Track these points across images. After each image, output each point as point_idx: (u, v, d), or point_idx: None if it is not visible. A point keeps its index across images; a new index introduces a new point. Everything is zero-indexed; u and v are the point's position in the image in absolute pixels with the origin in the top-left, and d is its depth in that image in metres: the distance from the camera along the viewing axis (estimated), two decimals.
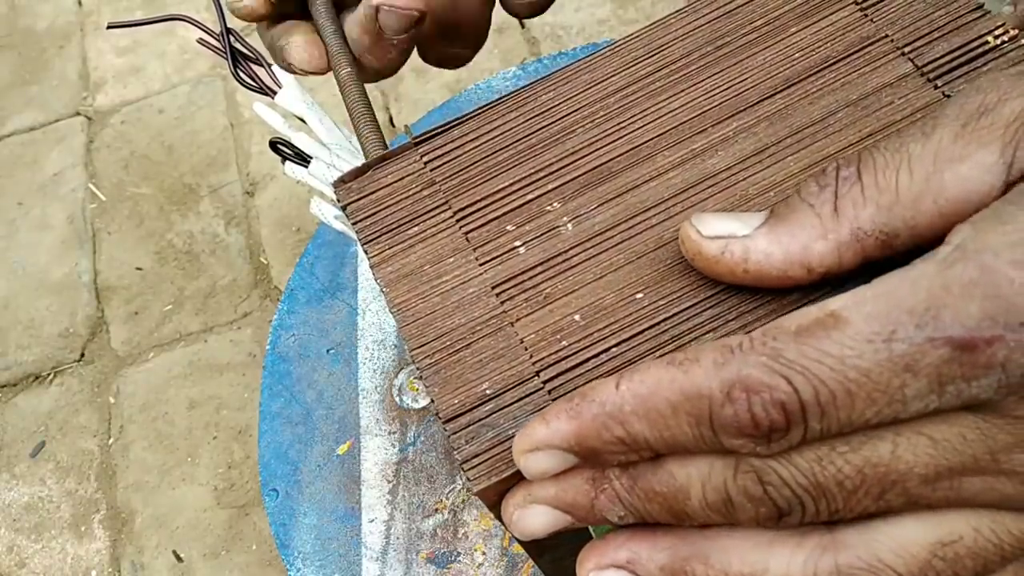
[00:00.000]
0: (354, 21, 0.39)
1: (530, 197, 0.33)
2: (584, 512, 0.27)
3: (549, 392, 0.29)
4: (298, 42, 0.39)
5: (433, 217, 0.33)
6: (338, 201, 0.34)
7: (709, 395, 0.23)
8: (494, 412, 0.29)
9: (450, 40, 0.41)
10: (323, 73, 0.40)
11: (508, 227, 0.32)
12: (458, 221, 0.33)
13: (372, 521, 0.58)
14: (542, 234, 0.32)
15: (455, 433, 0.28)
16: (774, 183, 0.31)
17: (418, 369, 0.30)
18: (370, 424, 0.62)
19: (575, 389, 0.27)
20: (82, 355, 1.04)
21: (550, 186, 0.33)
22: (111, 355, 1.04)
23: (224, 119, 1.19)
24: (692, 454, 0.25)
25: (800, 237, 0.26)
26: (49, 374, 1.04)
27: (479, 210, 0.33)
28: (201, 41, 0.45)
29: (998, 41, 0.32)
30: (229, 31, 0.44)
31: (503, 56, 1.09)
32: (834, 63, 0.33)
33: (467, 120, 0.35)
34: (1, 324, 1.08)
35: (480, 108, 0.35)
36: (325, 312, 0.69)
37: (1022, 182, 0.24)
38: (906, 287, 0.23)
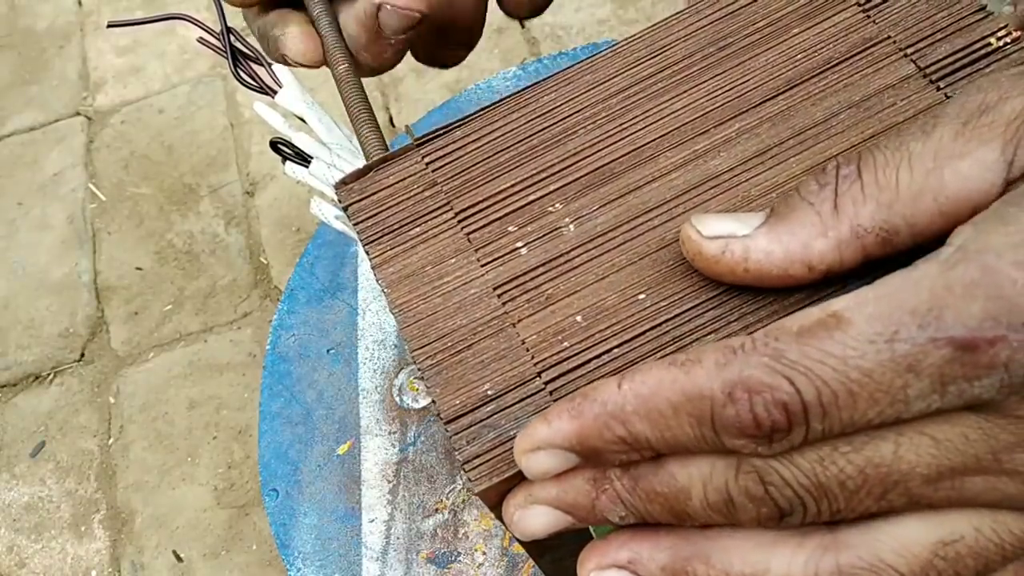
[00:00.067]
0: (352, 17, 0.39)
1: (532, 198, 0.33)
2: (585, 512, 0.27)
3: (551, 393, 0.29)
4: (294, 33, 0.38)
5: (435, 218, 0.33)
6: (340, 202, 0.34)
7: (711, 395, 0.23)
8: (495, 413, 0.29)
9: (444, 40, 0.40)
10: (318, 67, 0.39)
11: (510, 228, 0.32)
12: (460, 222, 0.33)
13: (372, 521, 0.58)
14: (544, 235, 0.32)
15: (456, 434, 0.28)
16: (776, 184, 0.31)
17: (419, 370, 0.30)
18: (370, 424, 0.62)
19: (577, 390, 0.27)
20: (82, 355, 1.04)
21: (552, 187, 0.33)
22: (111, 355, 1.04)
23: (224, 119, 1.19)
24: (693, 454, 0.25)
25: (800, 235, 0.26)
26: (49, 374, 1.04)
27: (481, 211, 0.33)
28: (201, 40, 0.45)
29: (1000, 43, 0.32)
30: (229, 30, 0.44)
31: (503, 56, 1.09)
32: (836, 64, 0.33)
33: (469, 121, 0.35)
34: (1, 324, 1.08)
35: (482, 109, 0.35)
36: (325, 312, 0.69)
37: (1022, 181, 0.24)
38: (908, 288, 0.23)
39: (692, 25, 0.35)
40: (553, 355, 0.29)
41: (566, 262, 0.31)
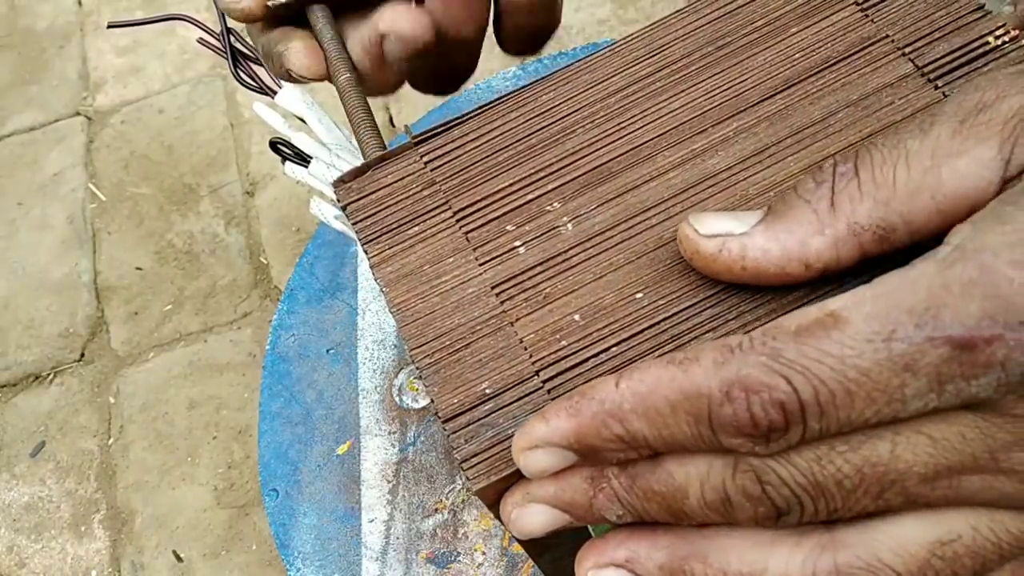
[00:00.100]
0: (357, 43, 0.39)
1: (530, 197, 0.33)
2: (583, 511, 0.27)
3: (548, 392, 0.29)
4: (298, 48, 0.38)
5: (433, 217, 0.33)
6: (338, 201, 0.34)
7: (708, 394, 0.23)
8: (493, 412, 0.29)
9: (440, 69, 0.41)
10: (322, 80, 0.40)
11: (508, 227, 0.32)
12: (458, 221, 0.33)
13: (372, 521, 0.58)
14: (542, 234, 0.32)
15: (455, 433, 0.28)
16: (775, 183, 0.31)
17: (418, 369, 0.30)
18: (370, 424, 0.62)
19: (575, 389, 0.27)
20: (82, 355, 1.04)
21: (550, 186, 0.33)
22: (111, 355, 1.04)
23: (224, 119, 1.19)
24: (691, 453, 0.25)
25: (797, 233, 0.26)
26: (49, 374, 1.04)
27: (479, 210, 0.33)
28: (201, 41, 0.45)
29: (999, 41, 0.32)
30: (229, 31, 0.44)
31: (502, 56, 1.09)
32: (835, 63, 0.33)
33: (467, 120, 0.35)
34: (1, 324, 1.08)
35: (480, 108, 0.35)
36: (325, 312, 0.69)
37: (1019, 180, 0.24)
38: (906, 287, 0.23)
39: (690, 24, 0.35)
40: (551, 354, 0.29)
41: (564, 261, 0.31)
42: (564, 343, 0.29)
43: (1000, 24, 0.32)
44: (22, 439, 1.00)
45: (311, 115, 0.48)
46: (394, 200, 0.33)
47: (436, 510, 0.58)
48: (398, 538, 0.57)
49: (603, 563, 0.27)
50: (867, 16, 0.34)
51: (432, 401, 0.29)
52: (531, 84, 0.35)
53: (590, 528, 0.29)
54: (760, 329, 0.24)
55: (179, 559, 0.90)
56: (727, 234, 0.27)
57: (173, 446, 0.96)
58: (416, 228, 0.33)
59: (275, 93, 0.45)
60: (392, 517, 0.58)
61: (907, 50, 0.33)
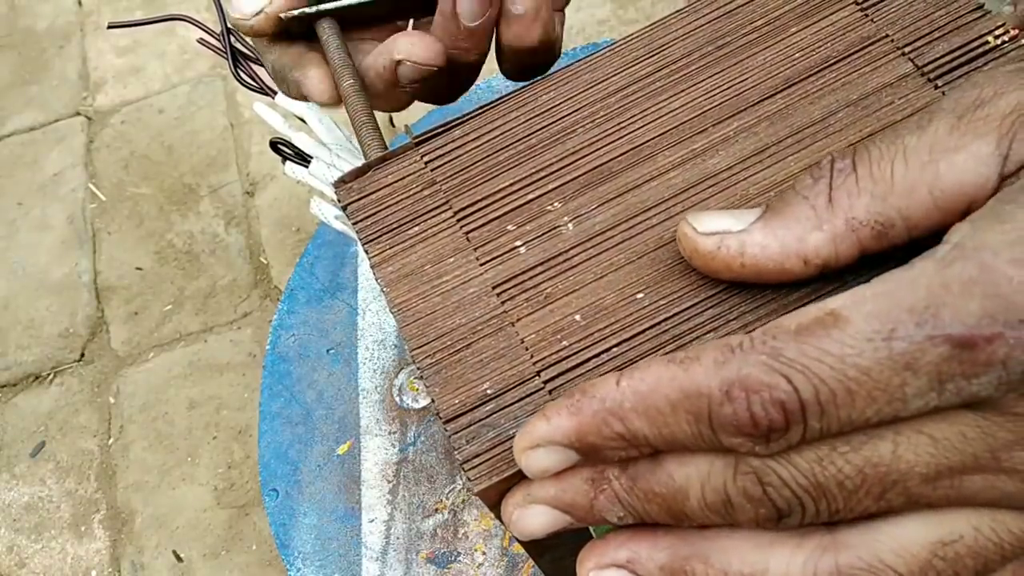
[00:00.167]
0: (371, 67, 0.40)
1: (531, 197, 0.33)
2: (583, 512, 0.27)
3: (550, 392, 0.29)
4: (315, 76, 0.40)
5: (434, 217, 0.33)
6: (339, 201, 0.34)
7: (708, 394, 0.23)
8: (495, 412, 0.29)
9: (444, 83, 0.41)
10: (338, 105, 0.41)
11: (509, 227, 0.32)
12: (459, 221, 0.33)
13: (372, 521, 0.58)
14: (543, 234, 0.32)
15: (456, 433, 0.28)
16: (775, 183, 0.31)
17: (419, 369, 0.30)
18: (370, 424, 0.62)
19: (576, 387, 0.27)
20: (82, 355, 1.04)
21: (551, 186, 0.33)
22: (111, 355, 1.04)
23: (224, 119, 1.19)
24: (692, 453, 0.25)
25: (795, 229, 0.26)
26: (49, 374, 1.04)
27: (480, 210, 0.33)
28: (201, 41, 0.45)
29: (998, 41, 0.32)
30: (229, 31, 0.44)
31: None
32: (834, 63, 0.33)
33: (468, 120, 0.35)
34: (1, 324, 1.08)
35: (481, 108, 0.35)
36: (325, 312, 0.69)
37: (1017, 177, 0.24)
38: (905, 286, 0.23)
39: (690, 24, 0.35)
40: (552, 354, 0.29)
41: (565, 261, 0.31)
42: (565, 343, 0.29)
43: (1000, 24, 0.32)
44: (22, 439, 1.00)
45: (311, 115, 0.48)
46: (395, 200, 0.33)
47: (436, 510, 0.58)
48: (398, 538, 0.57)
49: (604, 563, 0.27)
50: (867, 16, 0.34)
51: (433, 401, 0.29)
52: (531, 84, 0.35)
53: (591, 529, 0.29)
54: (761, 329, 0.24)
55: (179, 559, 0.90)
56: (725, 232, 0.27)
57: (173, 446, 0.96)
58: (417, 228, 0.33)
59: (275, 93, 0.45)
60: (392, 517, 0.58)
61: (907, 50, 0.33)
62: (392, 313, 0.31)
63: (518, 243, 0.32)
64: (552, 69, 0.37)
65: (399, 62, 0.39)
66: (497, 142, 0.34)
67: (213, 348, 1.01)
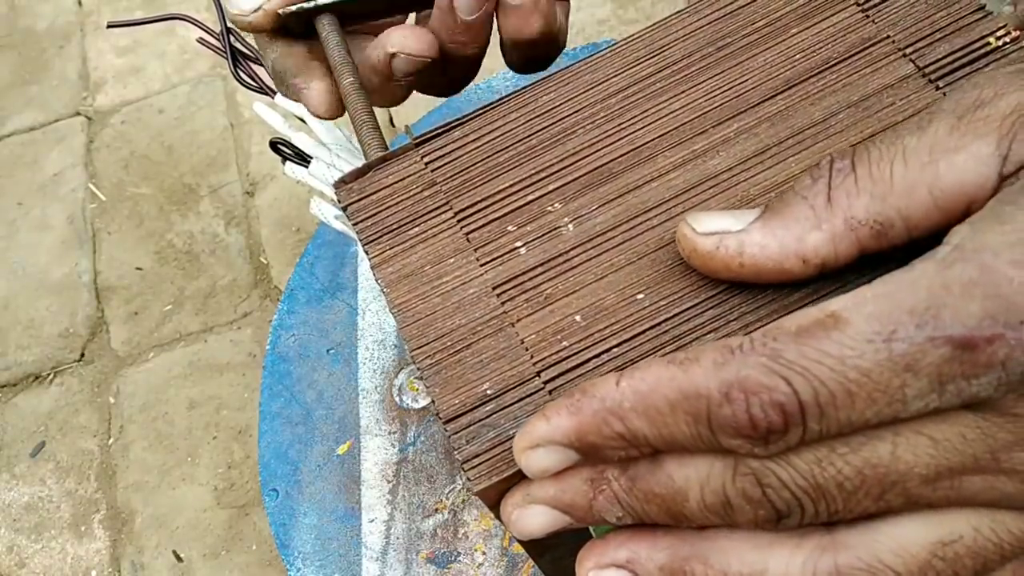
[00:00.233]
0: (366, 62, 0.40)
1: (531, 198, 0.33)
2: (583, 512, 0.27)
3: (550, 393, 0.29)
4: (318, 89, 0.40)
5: (434, 218, 0.33)
6: (339, 202, 0.34)
7: (707, 395, 0.23)
8: (495, 412, 0.29)
9: (444, 74, 0.41)
10: (337, 117, 0.41)
11: (509, 228, 0.32)
12: (459, 222, 0.33)
13: (372, 521, 0.58)
14: (543, 235, 0.32)
15: (456, 433, 0.28)
16: (775, 184, 0.31)
17: (419, 369, 0.30)
18: (370, 424, 0.62)
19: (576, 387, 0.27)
20: (82, 355, 1.04)
21: (551, 187, 0.33)
22: (111, 355, 1.04)
23: (224, 119, 1.19)
24: (691, 454, 0.25)
25: (794, 229, 0.26)
26: (49, 374, 1.04)
27: (480, 211, 0.33)
28: (201, 41, 0.45)
29: (1000, 42, 0.32)
30: (229, 31, 0.44)
31: (502, 56, 1.09)
32: (835, 64, 0.33)
33: (468, 121, 0.35)
34: (1, 324, 1.08)
35: (481, 109, 0.35)
36: (325, 312, 0.69)
37: (1016, 178, 0.24)
38: (906, 287, 0.23)
39: (691, 25, 0.35)
40: (552, 354, 0.29)
41: (565, 262, 0.31)
42: (565, 344, 0.29)
43: (1001, 25, 0.32)
44: (22, 439, 1.00)
45: (311, 115, 0.48)
46: (395, 201, 0.33)
47: (436, 510, 0.58)
48: (398, 538, 0.57)
49: (604, 563, 0.27)
50: (868, 17, 0.34)
51: (433, 402, 0.29)
52: (532, 85, 0.35)
53: (591, 529, 0.29)
54: (760, 330, 0.24)
55: (179, 559, 0.90)
56: (724, 232, 0.27)
57: (173, 446, 0.96)
58: (417, 229, 0.33)
59: (275, 93, 0.45)
60: (392, 517, 0.58)
61: (908, 51, 0.33)
62: (392, 313, 0.31)
63: (518, 244, 0.32)
64: (552, 69, 0.37)
65: (393, 55, 0.39)
66: (497, 143, 0.34)
67: (213, 348, 1.01)
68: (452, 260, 0.32)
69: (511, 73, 0.78)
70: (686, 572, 0.26)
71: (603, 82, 0.35)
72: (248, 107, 1.19)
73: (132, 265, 1.09)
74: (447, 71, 0.41)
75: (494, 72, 0.74)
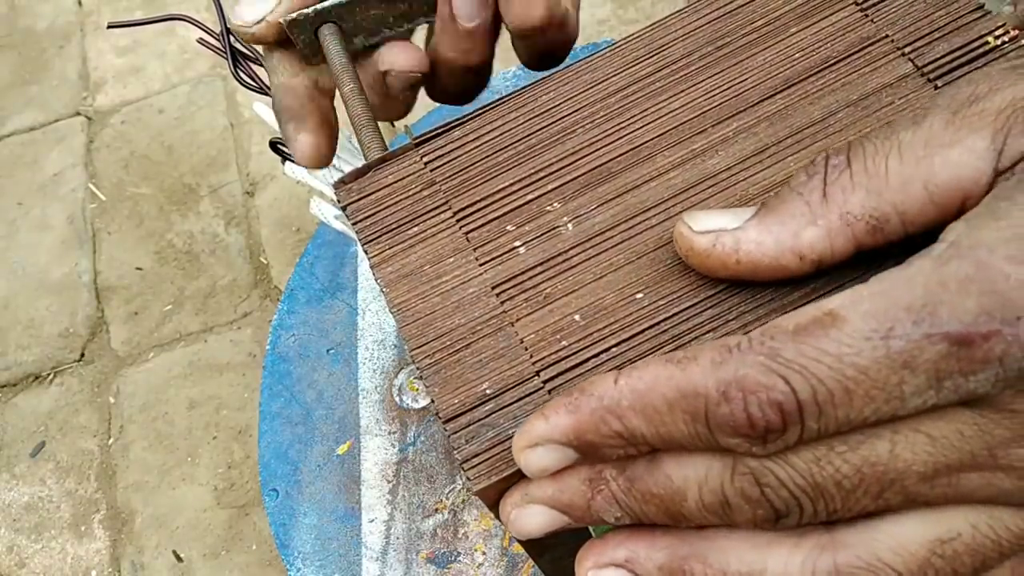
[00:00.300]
0: (364, 81, 0.41)
1: (530, 197, 0.33)
2: (581, 512, 0.27)
3: (549, 392, 0.29)
4: (305, 143, 0.40)
5: (433, 217, 0.33)
6: (338, 202, 0.34)
7: (705, 394, 0.23)
8: (494, 412, 0.29)
9: (455, 82, 0.42)
10: (322, 167, 0.42)
11: (508, 227, 0.32)
12: (458, 221, 0.33)
13: (372, 521, 0.58)
14: (542, 234, 0.32)
15: (455, 433, 0.28)
16: (774, 183, 0.31)
17: (418, 369, 0.30)
18: (370, 424, 0.62)
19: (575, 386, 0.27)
20: (82, 355, 1.05)
21: (550, 186, 0.33)
22: (111, 355, 1.04)
23: (224, 119, 1.19)
24: (689, 453, 0.25)
25: (790, 225, 0.26)
26: (49, 374, 1.04)
27: (479, 210, 0.33)
28: (201, 41, 0.45)
29: (998, 41, 0.32)
30: (229, 31, 0.44)
31: (503, 56, 1.09)
32: (834, 63, 0.33)
33: (467, 120, 0.35)
34: (1, 324, 1.08)
35: (480, 109, 0.35)
36: (325, 312, 0.70)
37: (1011, 173, 0.24)
38: (902, 284, 0.23)
39: (690, 24, 0.35)
40: (551, 354, 0.29)
41: (564, 261, 0.31)
42: (565, 343, 0.29)
43: (1000, 24, 0.32)
44: (22, 439, 1.00)
45: None
46: (394, 200, 0.33)
47: (436, 510, 0.58)
48: (398, 538, 0.57)
49: (603, 563, 0.27)
50: (867, 16, 0.34)
51: (433, 401, 0.29)
52: (531, 84, 0.35)
53: (590, 528, 0.29)
54: (758, 329, 0.24)
55: (179, 559, 0.90)
56: (720, 230, 0.27)
57: (173, 446, 0.96)
58: (416, 228, 0.33)
59: (270, 87, 0.45)
60: (392, 517, 0.58)
61: (907, 50, 0.33)
62: (392, 313, 0.31)
63: (518, 243, 0.32)
64: (552, 69, 0.37)
65: (385, 73, 0.39)
66: (497, 142, 0.34)
67: (213, 348, 1.01)
68: (451, 260, 0.32)
69: (511, 73, 0.78)
70: (685, 571, 0.26)
71: (602, 82, 0.35)
72: (248, 107, 1.19)
73: (132, 265, 1.09)
74: (456, 83, 0.41)
75: (494, 72, 0.74)
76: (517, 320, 0.30)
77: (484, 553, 0.56)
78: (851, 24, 0.34)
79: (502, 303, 0.31)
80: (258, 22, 0.39)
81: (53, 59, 1.30)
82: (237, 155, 1.15)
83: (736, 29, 0.35)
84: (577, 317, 0.30)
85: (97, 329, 1.06)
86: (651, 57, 0.35)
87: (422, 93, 0.42)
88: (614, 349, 0.29)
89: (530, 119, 0.34)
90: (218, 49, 0.45)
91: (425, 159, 0.34)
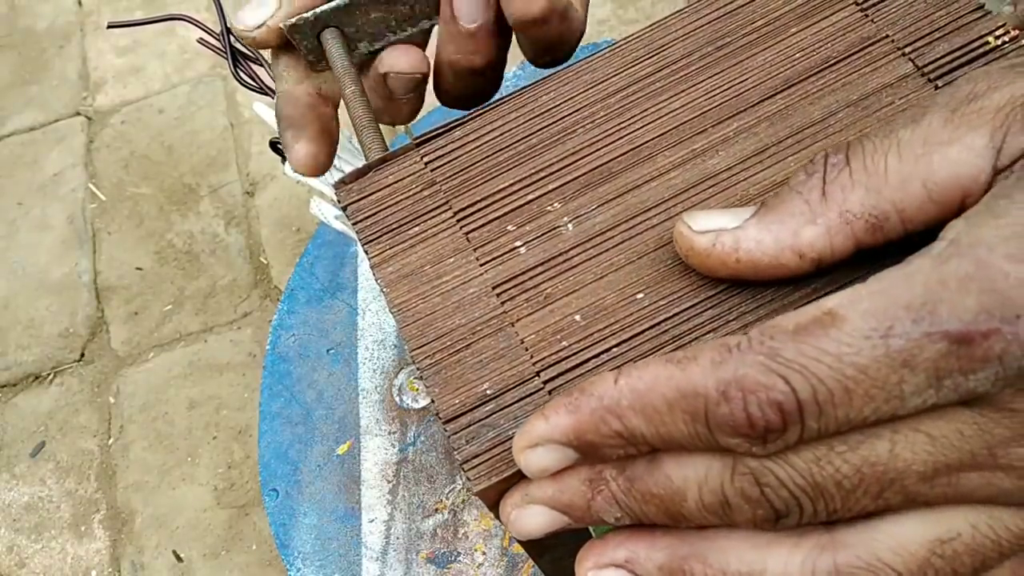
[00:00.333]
0: (367, 85, 0.41)
1: (531, 197, 0.33)
2: (581, 513, 0.27)
3: (549, 392, 0.29)
4: (303, 152, 0.40)
5: (434, 217, 0.33)
6: (339, 202, 0.34)
7: (705, 393, 0.23)
8: (494, 412, 0.29)
9: (463, 86, 0.42)
10: (317, 176, 0.42)
11: (509, 227, 0.32)
12: (459, 221, 0.33)
13: (372, 521, 0.58)
14: (543, 234, 0.32)
15: (455, 433, 0.28)
16: (775, 183, 0.31)
17: (418, 369, 0.30)
18: (370, 424, 0.62)
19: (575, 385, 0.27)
20: (82, 355, 1.05)
21: (551, 186, 0.33)
22: (111, 355, 1.04)
23: (224, 119, 1.19)
24: (689, 453, 0.25)
25: (789, 224, 0.26)
26: (49, 374, 1.04)
27: (480, 210, 0.33)
28: (201, 41, 0.45)
29: (999, 41, 0.32)
30: (229, 31, 0.44)
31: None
32: (834, 63, 0.33)
33: (468, 121, 0.35)
34: (1, 324, 1.08)
35: (481, 109, 0.35)
36: (325, 312, 0.70)
37: (1010, 171, 0.24)
38: (902, 283, 0.23)
39: (690, 24, 0.35)
40: (552, 354, 0.29)
41: (565, 261, 0.31)
42: (565, 343, 0.29)
43: (1000, 24, 0.32)
44: (22, 439, 1.00)
45: None
46: (395, 200, 0.33)
47: (436, 510, 0.58)
48: (398, 538, 0.57)
49: (603, 563, 0.27)
50: (867, 16, 0.34)
51: (433, 402, 0.29)
52: (532, 85, 0.35)
53: (590, 529, 0.29)
54: (758, 328, 0.24)
55: (179, 559, 0.90)
56: (720, 229, 0.27)
57: (173, 446, 0.96)
58: (417, 228, 0.33)
59: (275, 93, 0.45)
60: (392, 517, 0.58)
61: (907, 50, 0.33)
62: (392, 313, 0.31)
63: (518, 243, 0.32)
64: (552, 69, 0.37)
65: (385, 75, 0.40)
66: (497, 143, 0.34)
67: (213, 348, 1.01)
68: (452, 260, 0.32)
69: (511, 73, 0.78)
70: (685, 571, 0.26)
71: (602, 82, 0.35)
72: (248, 107, 1.19)
73: (132, 265, 1.09)
74: (465, 86, 0.41)
75: None
76: (517, 320, 0.30)
77: (484, 553, 0.56)
78: (851, 24, 0.34)
79: (502, 303, 0.31)
80: (259, 26, 0.39)
81: (53, 59, 1.30)
82: (237, 155, 1.15)
83: (736, 29, 0.35)
84: (578, 317, 0.30)
85: (97, 329, 1.06)
86: (651, 57, 0.35)
87: (430, 95, 0.43)
88: (615, 349, 0.29)
89: (530, 119, 0.34)
90: (218, 49, 0.45)
91: (425, 159, 0.34)
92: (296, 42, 0.39)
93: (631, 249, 0.31)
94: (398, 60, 0.39)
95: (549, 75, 0.35)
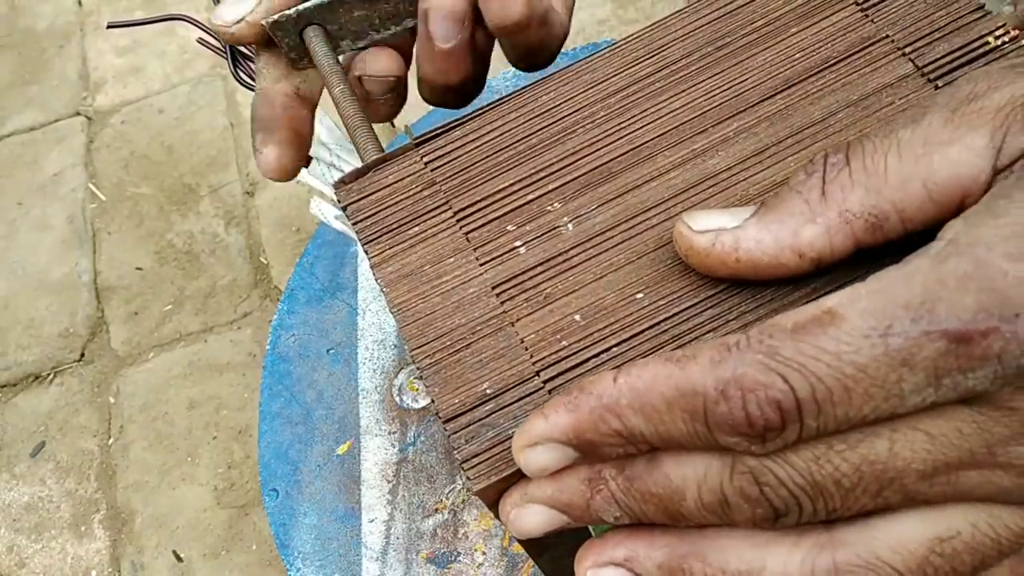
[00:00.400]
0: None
1: (531, 197, 0.33)
2: (580, 512, 0.27)
3: (549, 392, 0.29)
4: (271, 155, 0.40)
5: (433, 217, 0.33)
6: (339, 202, 0.34)
7: (704, 392, 0.23)
8: (494, 412, 0.29)
9: (447, 90, 0.42)
10: (286, 180, 0.42)
11: (508, 227, 0.32)
12: (458, 221, 0.33)
13: (372, 521, 0.58)
14: (542, 234, 0.32)
15: (455, 433, 0.28)
16: (775, 183, 0.31)
17: (418, 369, 0.30)
18: (370, 424, 0.62)
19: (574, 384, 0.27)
20: (82, 355, 1.05)
21: (551, 186, 0.33)
22: (111, 355, 1.04)
23: (224, 119, 1.19)
24: (688, 452, 0.25)
25: (789, 223, 0.26)
26: (49, 374, 1.04)
27: (480, 210, 0.33)
28: (201, 41, 0.45)
29: (999, 42, 0.32)
30: None
31: (502, 56, 1.09)
32: (835, 63, 0.33)
33: (468, 121, 0.35)
34: (1, 324, 1.08)
35: (481, 109, 0.35)
36: (325, 312, 0.70)
37: (1010, 171, 0.24)
38: (901, 282, 0.23)
39: (690, 24, 0.35)
40: (552, 354, 0.29)
41: (564, 261, 0.31)
42: (565, 343, 0.29)
43: (1000, 24, 0.32)
44: (22, 439, 1.00)
45: None
46: (394, 200, 0.33)
47: (436, 510, 0.58)
48: (398, 538, 0.57)
49: (602, 562, 0.27)
50: (867, 16, 0.34)
51: (433, 401, 0.29)
52: (531, 85, 0.35)
53: (590, 528, 0.29)
54: (757, 327, 0.24)
55: (179, 559, 0.90)
56: (720, 229, 0.27)
57: (173, 446, 0.96)
58: (416, 228, 0.33)
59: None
60: (392, 517, 0.58)
61: (907, 50, 0.33)
62: (392, 313, 0.31)
63: (518, 243, 0.32)
64: (552, 69, 0.37)
65: (359, 77, 0.40)
66: (497, 143, 0.34)
67: (213, 348, 1.01)
68: (452, 260, 0.32)
69: (511, 73, 0.78)
70: (684, 570, 0.26)
71: (602, 82, 0.35)
72: (248, 107, 1.19)
73: (132, 265, 1.09)
74: (447, 92, 0.41)
75: (494, 73, 0.74)
76: (517, 320, 0.30)
77: (484, 553, 0.56)
78: (851, 24, 0.34)
79: (502, 303, 0.31)
80: (237, 22, 0.39)
81: (53, 59, 1.30)
82: (237, 155, 1.15)
83: (736, 29, 0.35)
84: (577, 317, 0.30)
85: (97, 329, 1.06)
86: (651, 57, 0.35)
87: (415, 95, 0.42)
88: (614, 349, 0.29)
89: (530, 119, 0.34)
90: (218, 49, 0.45)
91: (425, 159, 0.34)
92: (278, 39, 0.39)
93: (631, 249, 0.31)
94: (372, 63, 0.40)
95: (549, 75, 0.35)
